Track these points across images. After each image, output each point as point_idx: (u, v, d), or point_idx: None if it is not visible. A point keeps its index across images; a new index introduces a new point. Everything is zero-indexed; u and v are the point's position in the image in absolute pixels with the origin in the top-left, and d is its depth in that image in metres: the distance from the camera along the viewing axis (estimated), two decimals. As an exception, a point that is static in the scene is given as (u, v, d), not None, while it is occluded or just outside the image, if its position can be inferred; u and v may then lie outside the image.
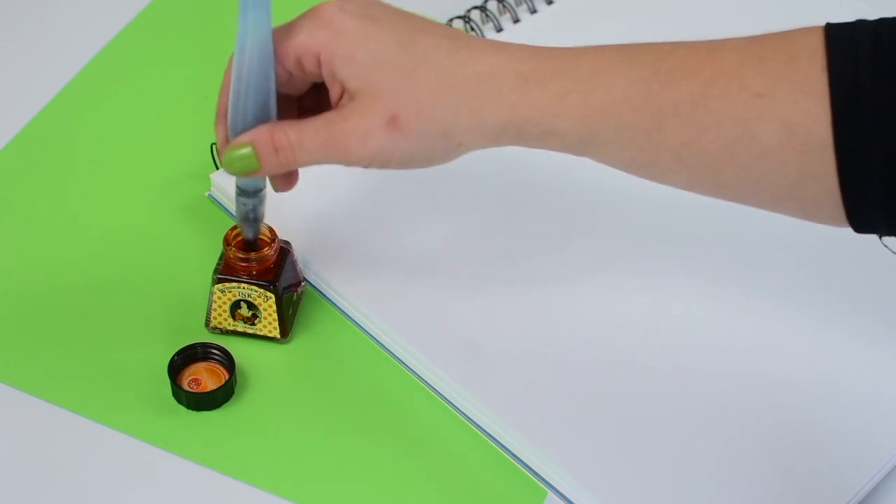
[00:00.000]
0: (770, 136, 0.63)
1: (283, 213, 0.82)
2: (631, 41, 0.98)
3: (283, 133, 0.69)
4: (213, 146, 0.86)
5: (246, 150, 0.69)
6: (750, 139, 0.64)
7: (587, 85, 0.66)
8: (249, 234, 0.76)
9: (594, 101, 0.66)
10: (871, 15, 0.65)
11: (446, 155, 0.69)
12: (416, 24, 0.68)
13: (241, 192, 0.74)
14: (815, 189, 0.64)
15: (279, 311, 0.77)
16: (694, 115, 0.64)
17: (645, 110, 0.65)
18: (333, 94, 0.69)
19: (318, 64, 0.68)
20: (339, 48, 0.67)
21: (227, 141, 0.70)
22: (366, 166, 0.69)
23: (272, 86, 0.69)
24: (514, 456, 0.74)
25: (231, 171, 0.71)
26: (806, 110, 0.63)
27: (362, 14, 0.67)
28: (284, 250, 0.78)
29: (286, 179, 0.74)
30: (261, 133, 0.69)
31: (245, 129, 0.69)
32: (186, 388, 0.75)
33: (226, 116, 0.70)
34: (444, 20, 0.96)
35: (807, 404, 0.75)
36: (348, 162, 0.69)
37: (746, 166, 0.64)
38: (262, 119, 0.69)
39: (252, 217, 0.75)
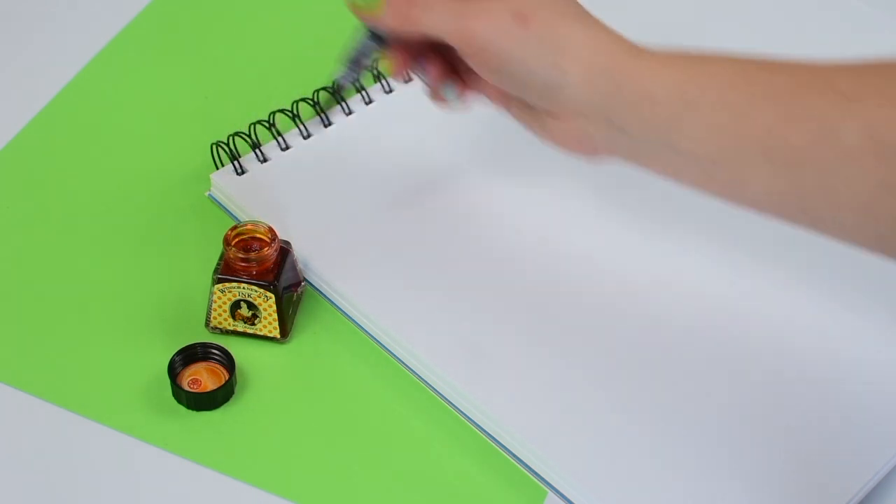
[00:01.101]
0: (852, 137, 0.64)
1: (283, 213, 0.82)
2: (631, 40, 0.98)
3: None
4: (213, 146, 0.86)
5: None
6: (833, 137, 0.64)
7: (693, 61, 0.69)
8: (346, 79, 0.76)
9: (696, 73, 0.68)
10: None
11: (546, 77, 0.70)
12: None
13: (371, 34, 0.75)
14: (893, 204, 0.64)
15: (279, 311, 0.77)
16: (783, 104, 0.66)
17: (740, 89, 0.67)
18: None
19: None
20: None
21: None
22: (474, 50, 0.71)
23: None
24: (514, 456, 0.74)
25: (354, 8, 0.74)
26: (889, 116, 0.63)
27: None
28: (284, 250, 0.78)
29: (402, 62, 0.75)
30: None
31: None
32: (186, 388, 0.75)
33: None
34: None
35: (807, 404, 0.75)
36: (465, 34, 0.71)
37: (827, 166, 0.65)
38: None
39: (356, 60, 0.76)
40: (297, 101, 0.88)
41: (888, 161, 0.63)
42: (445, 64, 0.76)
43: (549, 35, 0.70)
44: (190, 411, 0.75)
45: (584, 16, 0.71)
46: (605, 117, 0.70)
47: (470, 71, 0.74)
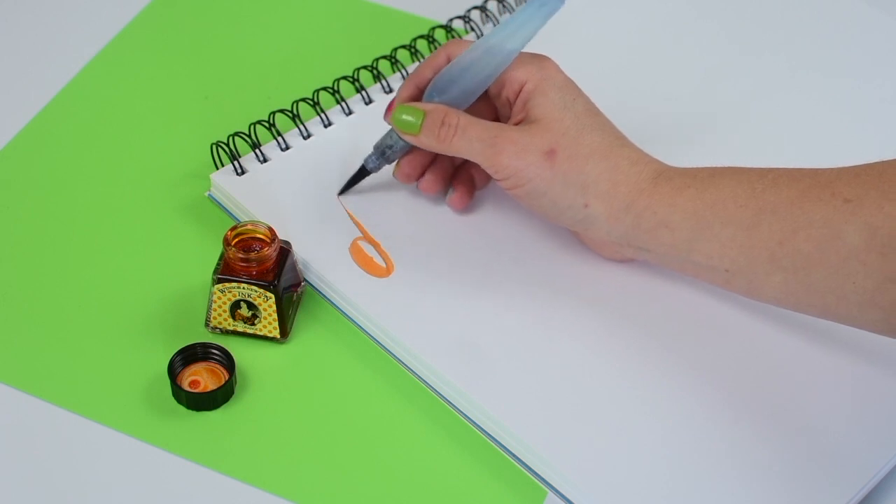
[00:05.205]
0: (855, 238, 0.68)
1: (283, 213, 0.82)
2: (628, 42, 0.99)
3: (457, 115, 0.77)
4: (213, 146, 0.86)
5: (416, 118, 0.78)
6: (837, 240, 0.69)
7: (703, 184, 0.74)
8: (370, 164, 0.82)
9: (707, 197, 0.73)
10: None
11: (570, 211, 0.76)
12: (600, 110, 0.78)
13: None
14: None
15: (279, 311, 0.77)
16: (789, 216, 0.70)
17: (747, 207, 0.72)
18: (511, 122, 0.78)
19: (517, 91, 0.78)
20: (543, 84, 0.77)
21: (408, 100, 0.80)
22: (503, 177, 0.76)
23: (484, 88, 0.78)
24: (514, 456, 0.74)
25: (394, 124, 0.79)
26: (889, 214, 0.67)
27: (570, 79, 0.78)
28: (284, 250, 0.78)
29: (410, 173, 0.82)
30: (439, 107, 0.78)
31: (438, 101, 0.78)
32: (186, 388, 0.75)
33: (419, 81, 0.79)
34: (444, 20, 0.96)
35: (808, 403, 0.75)
36: (495, 163, 0.76)
37: (835, 267, 0.69)
38: (457, 104, 0.78)
39: (383, 152, 0.81)
40: (297, 101, 0.88)
41: (892, 257, 0.67)
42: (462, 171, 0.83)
43: (573, 175, 0.75)
44: (190, 411, 0.75)
45: (608, 148, 0.76)
46: (628, 242, 0.76)
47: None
